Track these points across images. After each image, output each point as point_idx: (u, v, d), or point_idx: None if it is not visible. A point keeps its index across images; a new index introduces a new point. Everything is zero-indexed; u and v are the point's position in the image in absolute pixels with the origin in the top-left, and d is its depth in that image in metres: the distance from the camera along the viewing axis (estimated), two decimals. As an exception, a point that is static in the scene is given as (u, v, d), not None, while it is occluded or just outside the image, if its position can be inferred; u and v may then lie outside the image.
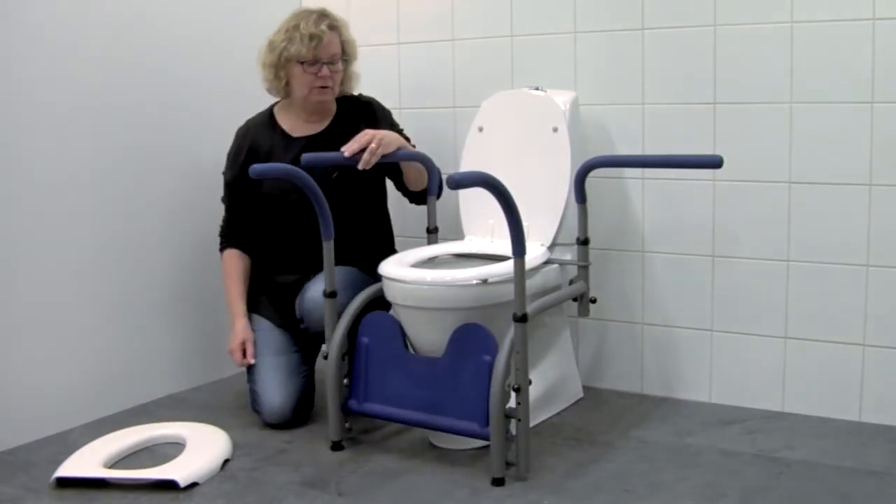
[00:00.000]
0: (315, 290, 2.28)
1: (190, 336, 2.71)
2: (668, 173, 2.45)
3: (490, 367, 1.97)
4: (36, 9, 2.25)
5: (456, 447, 2.18)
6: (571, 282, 2.37)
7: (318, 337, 2.28)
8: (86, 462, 2.08)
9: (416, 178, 2.46)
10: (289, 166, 2.14)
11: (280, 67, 2.39)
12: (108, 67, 2.43)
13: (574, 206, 2.34)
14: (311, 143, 2.45)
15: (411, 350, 2.19)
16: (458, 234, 2.55)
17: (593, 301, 2.38)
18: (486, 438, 1.99)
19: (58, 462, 2.08)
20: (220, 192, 2.52)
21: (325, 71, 2.36)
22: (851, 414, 2.30)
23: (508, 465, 2.00)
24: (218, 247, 2.54)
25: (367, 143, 2.26)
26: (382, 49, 2.86)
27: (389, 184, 2.57)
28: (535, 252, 2.27)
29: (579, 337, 2.64)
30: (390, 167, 2.43)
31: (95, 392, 2.45)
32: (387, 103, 2.57)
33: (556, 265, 2.35)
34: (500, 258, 2.24)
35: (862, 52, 2.17)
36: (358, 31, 2.58)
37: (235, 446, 2.22)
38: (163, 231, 2.61)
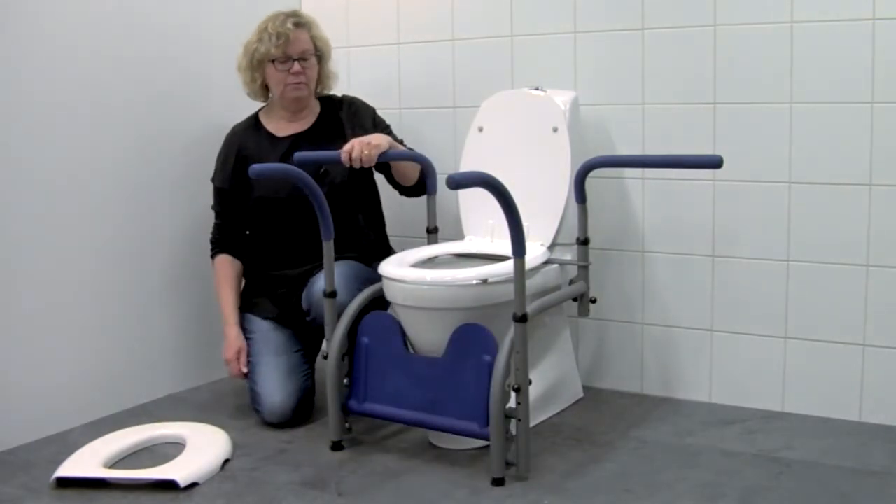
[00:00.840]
0: (322, 282, 2.28)
1: (190, 336, 2.71)
2: (668, 173, 2.45)
3: (490, 367, 1.97)
4: (37, 8, 2.25)
5: (456, 447, 2.18)
6: (571, 282, 2.37)
7: (322, 331, 2.28)
8: (86, 462, 2.08)
9: (405, 173, 2.47)
10: (288, 166, 2.15)
11: (254, 69, 2.45)
12: (107, 66, 2.43)
13: (574, 206, 2.34)
14: (297, 141, 2.47)
15: (411, 350, 2.19)
16: (458, 234, 2.55)
17: (593, 301, 2.38)
18: (486, 438, 1.99)
19: (58, 462, 2.08)
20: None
21: (296, 67, 2.40)
22: (851, 414, 2.30)
23: (508, 465, 2.00)
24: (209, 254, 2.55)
25: (359, 153, 2.26)
26: (382, 49, 2.86)
27: (380, 179, 2.58)
28: (535, 252, 2.27)
29: (579, 337, 2.64)
30: (380, 164, 2.44)
31: (95, 392, 2.45)
32: (387, 103, 2.58)
33: (556, 265, 2.35)
34: (500, 258, 2.24)
35: (862, 52, 2.17)
36: (358, 31, 2.59)
37: (235, 446, 2.22)
38: (163, 231, 2.61)
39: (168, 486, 1.99)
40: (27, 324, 2.27)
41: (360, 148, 2.26)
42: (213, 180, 2.52)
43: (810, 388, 2.34)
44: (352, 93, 2.64)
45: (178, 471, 2.02)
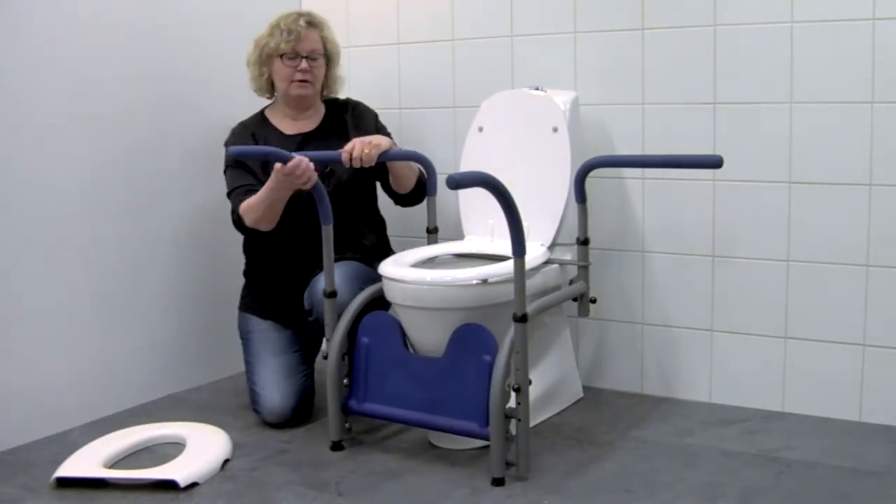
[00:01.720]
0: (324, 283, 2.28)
1: (190, 336, 2.71)
2: (668, 173, 2.45)
3: (490, 367, 1.97)
4: (39, 8, 2.25)
5: (456, 447, 2.18)
6: (571, 282, 2.37)
7: (323, 331, 2.27)
8: (86, 462, 2.08)
9: (403, 179, 2.46)
10: (269, 147, 2.18)
11: (262, 63, 2.46)
12: (109, 67, 2.43)
13: (574, 206, 2.34)
14: (306, 139, 2.47)
15: (411, 350, 2.19)
16: (458, 234, 2.55)
17: (593, 301, 2.38)
18: (486, 438, 1.99)
19: (58, 462, 2.08)
20: (222, 192, 2.50)
21: (304, 64, 2.41)
22: (851, 414, 2.30)
23: (508, 465, 2.00)
24: (232, 220, 2.39)
25: (360, 153, 2.25)
26: (382, 49, 2.86)
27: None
28: (535, 252, 2.27)
29: (579, 337, 2.64)
30: (378, 170, 2.44)
31: (95, 392, 2.45)
32: (387, 103, 2.58)
33: (556, 265, 2.35)
34: (500, 258, 2.24)
35: (862, 52, 2.17)
36: (358, 31, 2.59)
37: (235, 446, 2.22)
38: (163, 231, 2.61)
39: (168, 486, 1.99)
40: (27, 324, 2.27)
41: (361, 147, 2.25)
42: (226, 160, 2.44)
43: (810, 388, 2.34)
44: (352, 92, 2.64)
45: (178, 471, 2.02)
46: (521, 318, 1.95)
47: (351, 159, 2.25)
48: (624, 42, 2.46)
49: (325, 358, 2.20)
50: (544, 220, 2.36)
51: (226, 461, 2.14)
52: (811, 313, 2.32)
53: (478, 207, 2.45)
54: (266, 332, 2.46)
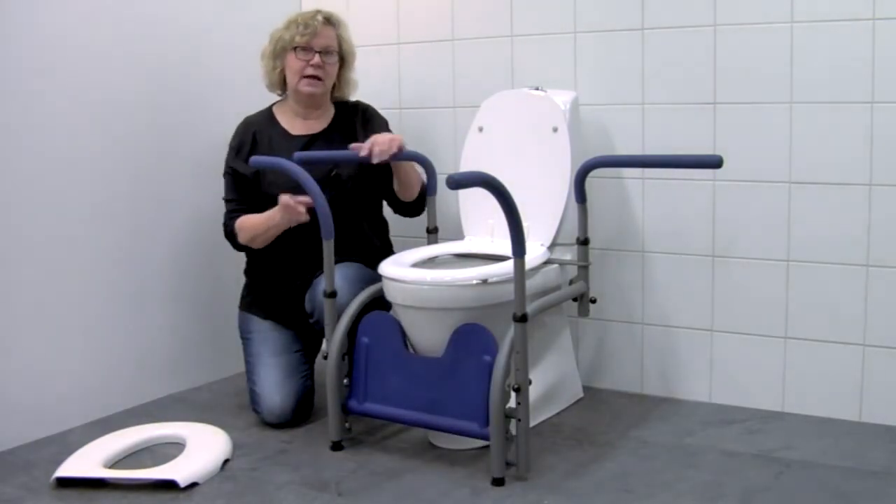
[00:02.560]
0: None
1: (190, 336, 2.71)
2: (668, 173, 2.45)
3: (490, 367, 1.97)
4: (40, 9, 2.25)
5: (456, 447, 2.18)
6: (571, 282, 2.37)
7: (324, 332, 2.27)
8: (86, 462, 2.08)
9: (409, 184, 2.45)
10: (284, 160, 2.17)
11: (276, 56, 2.45)
12: (111, 64, 2.43)
13: (574, 206, 2.34)
14: (311, 141, 2.46)
15: (411, 350, 2.19)
16: (458, 234, 2.55)
17: (593, 301, 2.38)
18: (486, 438, 1.99)
19: (58, 462, 2.08)
20: (223, 192, 2.51)
21: (316, 59, 2.40)
22: (851, 414, 2.30)
23: (508, 465, 2.00)
24: (224, 233, 2.46)
25: (381, 147, 2.25)
26: (382, 49, 2.86)
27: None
28: (535, 252, 2.27)
29: (579, 337, 2.64)
30: (383, 177, 2.43)
31: (95, 392, 2.45)
32: (387, 103, 2.58)
33: (556, 265, 2.35)
34: (500, 258, 2.24)
35: (862, 52, 2.17)
36: (358, 32, 2.59)
37: (235, 446, 2.22)
38: (163, 231, 2.61)
39: (168, 486, 1.99)
40: (27, 324, 2.27)
41: (382, 141, 2.25)
42: (226, 165, 2.47)
43: (810, 388, 2.34)
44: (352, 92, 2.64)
45: (178, 471, 2.02)
46: (521, 318, 1.95)
47: (371, 153, 2.23)
48: (624, 42, 2.46)
49: (325, 358, 2.20)
50: (544, 220, 2.36)
51: (226, 461, 2.14)
52: (811, 313, 2.32)
53: (478, 207, 2.45)
54: (266, 333, 2.46)
